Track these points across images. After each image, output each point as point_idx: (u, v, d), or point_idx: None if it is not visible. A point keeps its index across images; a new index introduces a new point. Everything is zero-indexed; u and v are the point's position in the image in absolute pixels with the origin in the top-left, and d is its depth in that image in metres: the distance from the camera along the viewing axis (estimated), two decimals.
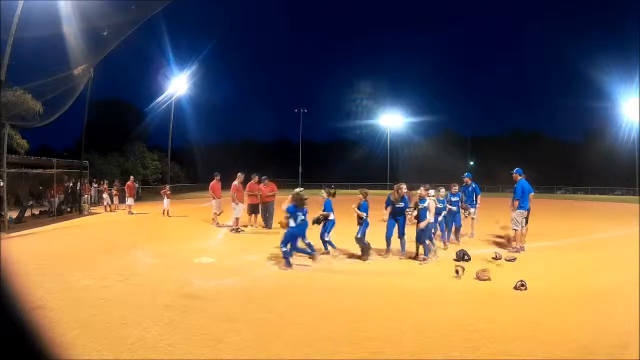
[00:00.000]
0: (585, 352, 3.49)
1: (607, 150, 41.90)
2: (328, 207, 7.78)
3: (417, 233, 7.39)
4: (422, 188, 7.62)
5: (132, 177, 18.78)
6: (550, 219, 15.26)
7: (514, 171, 8.67)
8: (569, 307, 4.76)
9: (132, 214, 16.43)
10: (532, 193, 8.59)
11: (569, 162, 45.92)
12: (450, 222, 9.06)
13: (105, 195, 18.61)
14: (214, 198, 12.45)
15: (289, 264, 6.64)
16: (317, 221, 7.65)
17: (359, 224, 7.47)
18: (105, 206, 18.39)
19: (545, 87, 73.63)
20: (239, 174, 11.69)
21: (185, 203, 23.75)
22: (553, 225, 13.40)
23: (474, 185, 10.03)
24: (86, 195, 18.72)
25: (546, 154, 46.27)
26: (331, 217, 7.67)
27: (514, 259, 7.31)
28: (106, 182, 20.82)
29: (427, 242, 7.31)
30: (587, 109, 45.85)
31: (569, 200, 32.46)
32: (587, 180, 41.94)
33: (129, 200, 16.89)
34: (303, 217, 6.89)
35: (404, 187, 7.72)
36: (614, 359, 3.37)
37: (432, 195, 7.77)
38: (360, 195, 7.65)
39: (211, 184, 12.67)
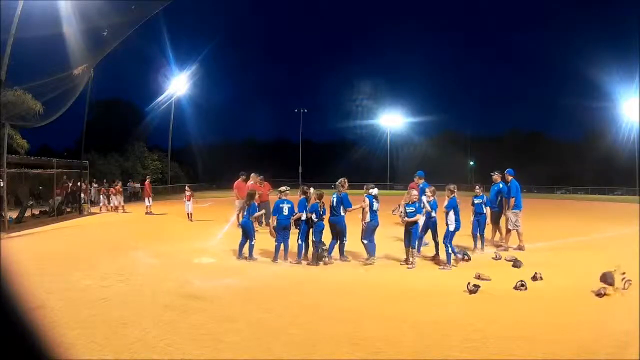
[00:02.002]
0: (585, 352, 3.49)
1: (607, 150, 41.79)
2: (300, 207, 7.44)
3: (405, 237, 7.16)
4: (365, 187, 7.34)
5: (148, 177, 19.16)
6: (551, 219, 15.26)
7: (506, 171, 8.69)
8: (569, 307, 4.76)
9: (148, 214, 16.39)
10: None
11: (569, 162, 45.86)
12: (476, 228, 8.28)
13: (112, 197, 18.49)
14: (237, 198, 11.81)
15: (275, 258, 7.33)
16: (295, 225, 7.51)
17: (296, 225, 7.34)
18: (103, 206, 18.33)
19: (545, 87, 73.60)
20: (252, 174, 11.73)
21: (183, 203, 23.57)
22: (553, 225, 13.41)
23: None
24: (111, 195, 18.34)
25: (546, 154, 46.24)
26: (303, 217, 7.36)
27: (519, 262, 6.93)
28: (117, 183, 20.69)
29: (365, 242, 7.08)
30: (587, 109, 45.71)
31: (569, 200, 32.42)
32: (587, 180, 41.86)
33: (148, 201, 16.87)
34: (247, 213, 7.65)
35: (345, 184, 7.48)
36: (613, 359, 3.37)
37: (374, 194, 7.29)
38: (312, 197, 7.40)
39: (235, 183, 12.20)
